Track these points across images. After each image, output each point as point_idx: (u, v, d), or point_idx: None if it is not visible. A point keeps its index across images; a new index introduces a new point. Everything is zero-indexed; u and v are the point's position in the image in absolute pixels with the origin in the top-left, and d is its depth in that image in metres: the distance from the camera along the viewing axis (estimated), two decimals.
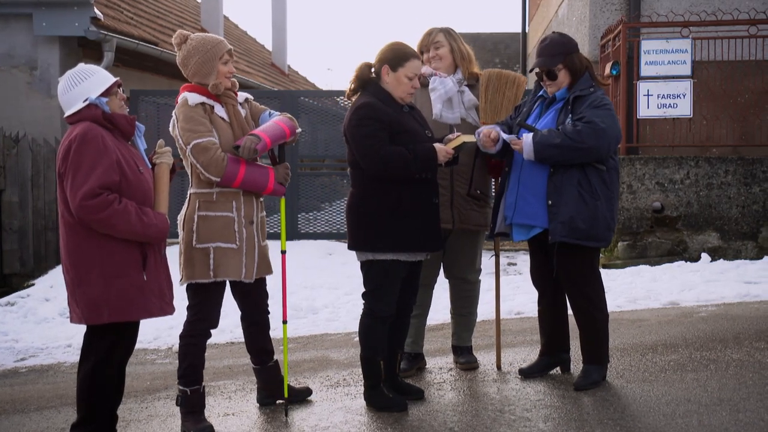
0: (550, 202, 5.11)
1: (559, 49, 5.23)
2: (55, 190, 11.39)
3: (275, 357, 5.19)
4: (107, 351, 4.37)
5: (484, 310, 6.91)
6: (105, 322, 4.30)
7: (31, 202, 11.29)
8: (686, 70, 10.43)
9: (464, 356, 5.88)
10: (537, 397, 5.12)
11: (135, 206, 4.26)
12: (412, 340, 5.65)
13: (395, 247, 4.88)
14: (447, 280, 5.88)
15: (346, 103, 12.56)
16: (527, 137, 5.11)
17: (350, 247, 5.03)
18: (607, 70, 10.69)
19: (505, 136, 5.22)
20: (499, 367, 5.81)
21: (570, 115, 5.13)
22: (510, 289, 9.13)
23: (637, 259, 10.38)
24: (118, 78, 4.48)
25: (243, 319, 5.11)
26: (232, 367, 6.64)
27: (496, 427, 4.64)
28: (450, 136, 5.04)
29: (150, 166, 4.53)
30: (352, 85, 5.05)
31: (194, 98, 4.77)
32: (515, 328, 7.44)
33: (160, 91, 13.29)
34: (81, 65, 4.49)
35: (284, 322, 5.11)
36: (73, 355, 7.62)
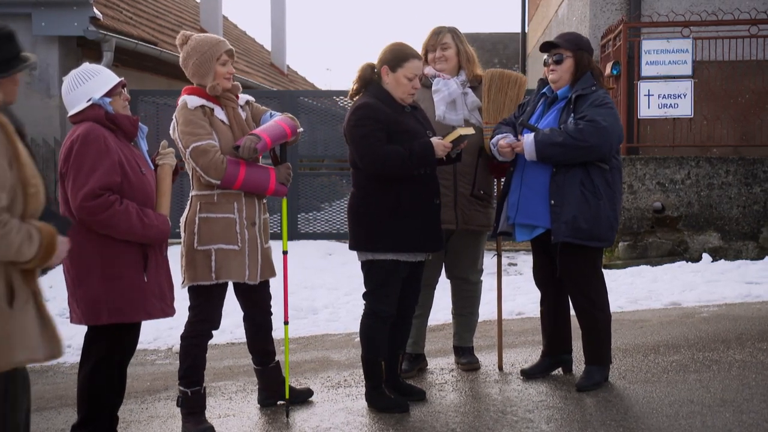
0: (552, 201, 5.09)
1: (575, 40, 5.28)
2: (54, 190, 11.39)
3: (276, 358, 5.17)
4: (108, 352, 4.35)
5: (485, 310, 6.89)
6: (104, 323, 4.28)
7: None
8: (687, 70, 10.41)
9: (466, 357, 5.86)
10: (539, 398, 5.10)
11: (136, 207, 4.23)
12: (413, 340, 5.63)
13: (395, 248, 4.86)
14: (448, 281, 5.86)
15: (345, 103, 12.56)
16: (528, 137, 5.10)
17: (351, 247, 5.02)
18: (608, 70, 10.68)
19: (508, 139, 5.21)
20: (500, 368, 5.79)
21: (572, 114, 5.11)
22: (511, 289, 9.11)
23: (638, 260, 10.36)
24: (122, 78, 4.46)
25: (245, 319, 5.08)
26: (232, 368, 6.62)
27: (498, 428, 4.62)
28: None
29: (153, 167, 4.51)
30: (355, 86, 5.04)
31: (193, 101, 4.74)
32: (516, 328, 7.42)
33: (159, 91, 13.28)
34: (85, 65, 4.47)
35: (285, 323, 5.10)
36: (73, 356, 7.58)
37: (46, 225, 3.27)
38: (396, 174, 4.82)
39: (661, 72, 10.44)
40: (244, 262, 4.75)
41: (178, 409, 4.81)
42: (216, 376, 6.27)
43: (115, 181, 4.19)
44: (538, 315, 5.66)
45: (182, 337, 4.81)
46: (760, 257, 10.17)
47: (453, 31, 5.68)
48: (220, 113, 4.80)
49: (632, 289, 8.83)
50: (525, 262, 10.94)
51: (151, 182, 4.43)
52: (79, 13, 11.19)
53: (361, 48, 77.06)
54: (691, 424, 4.54)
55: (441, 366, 5.96)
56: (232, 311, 5.43)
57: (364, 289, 5.03)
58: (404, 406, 4.96)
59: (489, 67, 5.86)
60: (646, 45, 10.47)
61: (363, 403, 5.11)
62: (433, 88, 5.57)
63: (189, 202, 4.83)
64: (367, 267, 4.96)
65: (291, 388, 5.17)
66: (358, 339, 5.07)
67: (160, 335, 8.08)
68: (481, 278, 5.87)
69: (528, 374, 5.53)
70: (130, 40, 12.20)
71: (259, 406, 5.24)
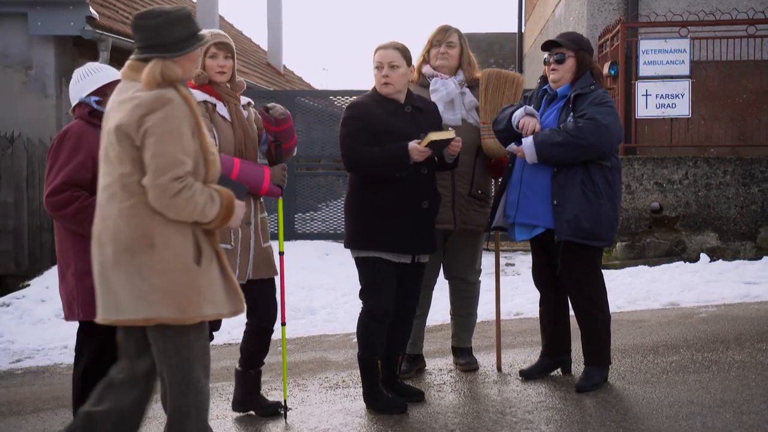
0: (555, 201, 5.07)
1: (577, 40, 5.27)
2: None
3: (263, 364, 5.09)
4: (98, 350, 4.36)
5: (483, 310, 6.87)
6: (78, 320, 4.35)
7: (26, 202, 11.22)
8: (685, 70, 10.40)
9: (464, 357, 5.84)
10: (538, 399, 5.08)
11: None
12: (411, 341, 5.60)
13: (376, 246, 4.89)
14: (446, 281, 5.84)
15: (341, 103, 12.58)
16: (527, 140, 5.07)
17: (345, 245, 5.07)
18: (606, 70, 10.65)
19: (510, 146, 5.18)
20: (499, 369, 5.76)
21: (571, 113, 5.09)
22: (509, 289, 9.09)
23: (636, 260, 10.34)
24: (116, 77, 4.45)
25: (248, 322, 5.01)
26: (230, 369, 6.57)
27: (497, 429, 4.60)
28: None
29: None
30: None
31: (196, 96, 4.71)
32: (515, 329, 7.40)
33: None
34: (90, 63, 4.60)
35: (283, 324, 5.07)
36: (69, 357, 7.54)
37: (225, 189, 3.67)
38: (372, 175, 4.88)
39: (658, 72, 10.42)
40: (235, 262, 4.73)
41: None
42: (213, 377, 6.21)
43: (84, 178, 4.25)
44: (536, 315, 5.64)
45: None
46: (757, 257, 10.15)
47: (459, 33, 5.69)
48: (222, 109, 4.78)
49: (630, 289, 8.81)
50: (522, 262, 10.92)
51: None
52: (76, 12, 11.14)
53: (358, 48, 77.05)
54: (691, 425, 4.52)
55: (439, 367, 5.93)
56: None
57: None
58: (402, 406, 4.93)
59: (485, 68, 5.84)
60: (644, 45, 10.46)
61: (361, 404, 5.08)
62: (430, 88, 5.55)
63: None
64: (357, 264, 5.01)
65: (262, 398, 5.11)
66: (356, 339, 5.05)
67: None
68: (480, 278, 5.85)
69: (527, 375, 5.50)
70: (127, 39, 12.14)
71: (232, 410, 5.14)
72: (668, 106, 10.43)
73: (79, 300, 4.29)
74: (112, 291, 3.59)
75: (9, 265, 11.14)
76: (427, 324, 5.89)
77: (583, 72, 5.20)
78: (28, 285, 10.26)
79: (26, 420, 5.55)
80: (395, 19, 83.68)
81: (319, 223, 12.49)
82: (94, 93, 4.45)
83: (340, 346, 7.25)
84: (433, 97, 5.51)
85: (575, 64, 5.20)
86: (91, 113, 4.41)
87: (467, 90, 5.62)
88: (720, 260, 10.07)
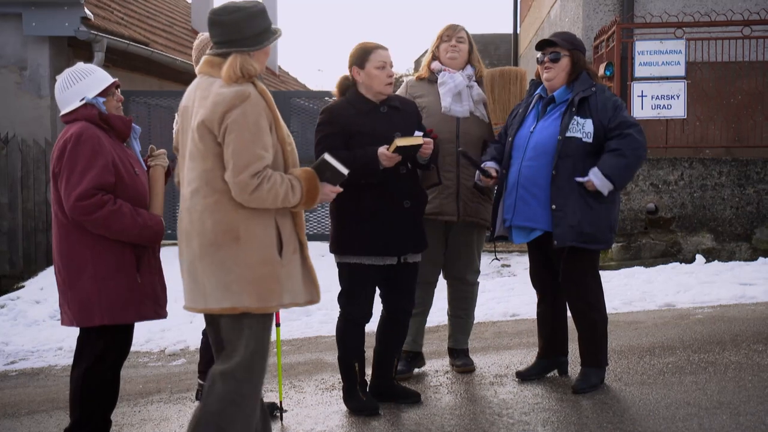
0: (554, 206, 5.04)
1: (572, 39, 5.27)
2: (45, 191, 11.36)
3: None
4: (100, 354, 4.31)
5: (480, 312, 6.86)
6: (97, 325, 4.24)
7: (20, 203, 11.20)
8: (680, 71, 10.39)
9: (460, 359, 5.83)
10: (535, 401, 5.07)
11: (130, 207, 4.20)
12: (411, 338, 5.59)
13: (357, 251, 4.89)
14: (445, 281, 5.83)
15: None
16: (595, 175, 4.99)
17: (329, 249, 5.08)
18: (601, 71, 10.63)
19: (578, 178, 5.06)
20: None
21: (576, 117, 5.06)
22: (505, 291, 9.08)
23: (631, 261, 10.34)
24: (116, 79, 4.45)
25: None
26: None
27: (494, 431, 4.59)
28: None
29: (145, 168, 4.48)
30: (336, 98, 5.08)
31: None
32: (511, 330, 7.39)
33: (150, 92, 13.21)
34: (79, 64, 4.48)
35: (278, 325, 5.06)
36: (64, 358, 7.54)
37: (305, 170, 3.84)
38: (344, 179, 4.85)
39: (654, 73, 10.41)
40: None
41: (171, 412, 4.77)
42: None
43: (109, 182, 4.17)
44: (533, 317, 5.63)
45: (204, 332, 4.78)
46: (753, 258, 10.15)
47: (467, 31, 5.74)
48: None
49: (626, 290, 8.80)
50: (518, 263, 10.90)
51: (144, 183, 4.40)
52: (70, 13, 11.13)
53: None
54: (688, 427, 4.51)
55: (436, 368, 5.92)
56: None
57: None
58: (374, 408, 4.94)
59: None
60: (639, 46, 10.45)
61: None
62: (438, 81, 5.58)
63: None
64: (339, 269, 5.03)
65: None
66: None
67: (153, 337, 8.04)
68: (478, 279, 5.84)
69: (523, 376, 5.49)
70: (122, 40, 12.14)
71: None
72: (664, 107, 10.42)
73: (103, 305, 4.19)
74: (200, 282, 3.76)
75: (3, 266, 11.12)
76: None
77: (577, 72, 5.18)
78: (23, 286, 10.24)
79: (21, 422, 5.52)
80: (390, 21, 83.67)
81: (314, 224, 12.46)
82: (99, 95, 4.35)
83: (336, 347, 7.20)
84: (441, 90, 5.54)
85: (570, 64, 5.19)
86: (100, 115, 4.30)
87: (475, 84, 5.65)
88: (716, 261, 10.08)
